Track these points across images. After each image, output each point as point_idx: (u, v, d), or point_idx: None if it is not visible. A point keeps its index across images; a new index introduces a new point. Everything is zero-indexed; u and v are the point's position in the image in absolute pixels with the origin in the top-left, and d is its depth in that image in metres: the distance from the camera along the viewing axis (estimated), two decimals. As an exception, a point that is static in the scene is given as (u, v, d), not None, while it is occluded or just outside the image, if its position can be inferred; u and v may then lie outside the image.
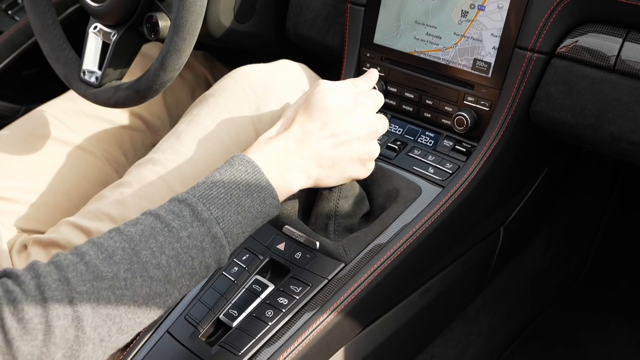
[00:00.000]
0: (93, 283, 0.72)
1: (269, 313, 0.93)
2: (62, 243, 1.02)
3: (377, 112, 1.00)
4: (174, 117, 1.44)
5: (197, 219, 0.81)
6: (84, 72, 1.18)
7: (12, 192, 1.18)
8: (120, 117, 1.38)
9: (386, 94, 1.19)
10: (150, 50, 1.51)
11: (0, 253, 1.03)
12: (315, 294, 0.94)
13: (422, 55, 1.13)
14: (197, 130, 1.10)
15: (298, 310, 0.93)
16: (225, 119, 1.10)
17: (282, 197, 0.90)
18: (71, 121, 1.30)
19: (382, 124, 1.00)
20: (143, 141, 1.39)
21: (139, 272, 0.75)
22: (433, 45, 1.12)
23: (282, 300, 0.93)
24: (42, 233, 1.11)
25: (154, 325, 0.96)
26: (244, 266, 0.99)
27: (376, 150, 1.00)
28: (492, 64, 1.06)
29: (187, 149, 1.09)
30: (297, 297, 0.93)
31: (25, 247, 1.06)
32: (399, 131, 1.17)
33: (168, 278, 0.78)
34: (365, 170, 1.01)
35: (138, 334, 0.97)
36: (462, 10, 1.07)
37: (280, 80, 1.15)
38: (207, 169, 1.06)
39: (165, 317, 0.97)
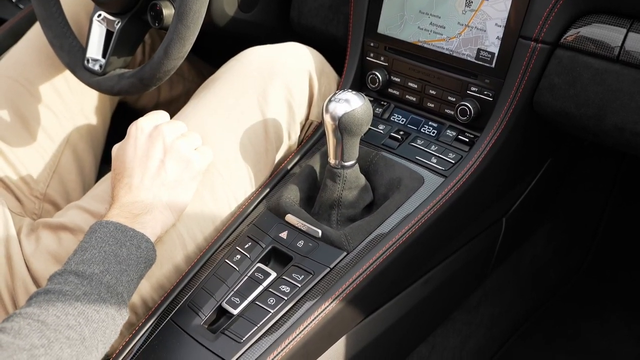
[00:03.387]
0: (13, 357, 0.73)
1: (271, 301, 0.93)
2: (71, 226, 1.03)
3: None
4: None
5: (84, 277, 0.84)
6: (87, 60, 1.18)
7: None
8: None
9: (389, 83, 1.19)
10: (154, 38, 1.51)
11: (9, 237, 1.04)
12: (317, 282, 0.95)
13: (425, 45, 1.13)
14: (203, 112, 1.11)
15: (300, 299, 0.93)
16: (231, 101, 1.11)
17: (155, 239, 0.94)
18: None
19: (164, 130, 1.02)
20: None
21: (54, 336, 0.77)
22: (437, 35, 1.11)
23: (284, 288, 0.94)
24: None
25: (157, 312, 0.97)
26: (247, 254, 0.99)
27: (183, 147, 1.01)
28: (496, 54, 1.06)
29: (193, 130, 1.09)
30: (299, 285, 0.94)
31: (33, 230, 1.07)
32: (402, 121, 1.17)
33: (83, 336, 0.80)
34: (200, 158, 1.02)
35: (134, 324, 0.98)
36: (466, 0, 1.07)
37: (287, 62, 1.15)
38: (213, 149, 1.07)
39: (167, 304, 0.98)
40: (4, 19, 1.65)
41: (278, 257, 1.00)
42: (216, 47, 1.56)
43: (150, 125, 1.03)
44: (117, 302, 0.85)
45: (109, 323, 0.83)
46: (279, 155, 1.14)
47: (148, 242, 0.92)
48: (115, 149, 1.04)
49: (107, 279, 0.85)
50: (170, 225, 0.99)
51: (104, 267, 0.86)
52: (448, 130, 1.12)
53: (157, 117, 1.06)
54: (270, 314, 0.92)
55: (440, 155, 1.09)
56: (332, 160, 1.02)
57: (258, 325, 0.91)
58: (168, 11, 1.12)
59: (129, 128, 1.04)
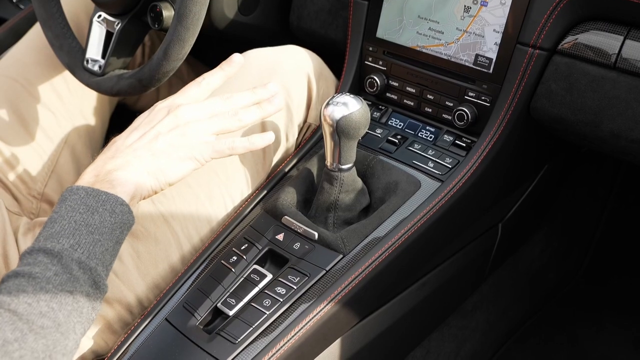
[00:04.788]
0: None
1: (267, 302, 0.93)
2: None
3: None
4: None
5: (53, 255, 0.80)
6: (87, 61, 1.19)
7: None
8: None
9: (388, 88, 1.20)
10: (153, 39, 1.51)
11: (6, 236, 1.04)
12: (313, 284, 0.95)
13: (424, 50, 1.14)
14: None
15: (295, 300, 0.93)
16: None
17: (130, 200, 0.88)
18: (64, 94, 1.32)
19: (182, 99, 0.98)
20: None
21: (27, 328, 0.74)
22: (435, 40, 1.12)
23: (280, 290, 0.94)
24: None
25: (152, 312, 0.97)
26: (243, 255, 1.00)
27: (193, 132, 0.95)
28: (494, 60, 1.06)
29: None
30: (295, 287, 0.94)
31: (30, 229, 1.07)
32: (400, 125, 1.17)
33: (57, 322, 0.77)
34: (204, 149, 0.96)
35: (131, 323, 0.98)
36: (464, 6, 1.07)
37: (286, 64, 1.15)
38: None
39: (163, 304, 0.98)
40: (4, 18, 1.65)
41: (274, 259, 1.00)
42: (215, 50, 1.56)
43: (174, 102, 0.98)
44: (91, 277, 0.81)
45: (84, 303, 0.80)
46: (276, 158, 1.14)
47: (123, 205, 0.86)
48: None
49: (78, 254, 0.81)
50: (148, 190, 0.92)
51: (74, 240, 0.81)
52: (445, 135, 1.13)
53: (187, 96, 1.00)
54: (266, 315, 0.92)
55: (437, 160, 1.09)
56: (329, 163, 1.02)
57: (253, 326, 0.91)
58: (168, 13, 1.12)
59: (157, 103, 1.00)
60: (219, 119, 0.97)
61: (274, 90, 1.03)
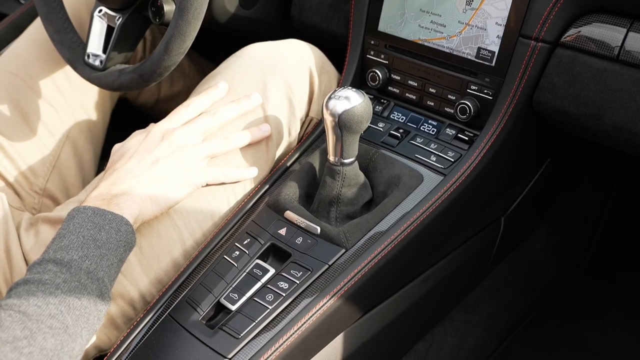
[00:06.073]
0: None
1: (269, 297, 0.93)
2: None
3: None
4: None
5: (63, 265, 0.83)
6: (88, 56, 1.18)
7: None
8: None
9: (390, 81, 1.19)
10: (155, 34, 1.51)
11: (9, 231, 1.04)
12: (316, 279, 0.95)
13: (426, 43, 1.13)
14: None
15: (298, 295, 0.93)
16: (232, 97, 1.11)
17: (133, 223, 0.92)
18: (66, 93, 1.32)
19: (178, 136, 1.02)
20: None
21: (36, 327, 0.77)
22: (437, 33, 1.11)
23: (283, 285, 0.94)
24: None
25: (155, 307, 0.97)
26: (245, 250, 0.99)
27: (189, 156, 1.01)
28: (496, 53, 1.06)
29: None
30: (298, 282, 0.94)
31: (32, 224, 1.07)
32: (402, 119, 1.17)
33: (66, 324, 0.79)
34: (201, 174, 1.02)
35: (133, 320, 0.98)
36: (467, -1, 1.07)
37: (288, 58, 1.15)
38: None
39: (166, 299, 0.98)
40: (4, 13, 1.65)
41: (277, 254, 1.00)
42: (217, 44, 1.56)
43: (167, 127, 1.04)
44: (99, 288, 0.84)
45: (91, 309, 0.83)
46: (278, 152, 1.14)
47: (128, 225, 0.91)
48: (118, 145, 1.04)
49: (87, 264, 0.84)
50: (149, 214, 0.97)
51: (82, 252, 0.85)
52: (447, 129, 1.13)
53: (177, 119, 1.06)
54: (269, 310, 0.92)
55: (439, 154, 1.09)
56: (331, 158, 1.02)
57: (256, 321, 0.91)
58: (169, 7, 1.12)
59: (149, 126, 1.04)
60: (211, 144, 1.04)
61: (258, 102, 1.09)
